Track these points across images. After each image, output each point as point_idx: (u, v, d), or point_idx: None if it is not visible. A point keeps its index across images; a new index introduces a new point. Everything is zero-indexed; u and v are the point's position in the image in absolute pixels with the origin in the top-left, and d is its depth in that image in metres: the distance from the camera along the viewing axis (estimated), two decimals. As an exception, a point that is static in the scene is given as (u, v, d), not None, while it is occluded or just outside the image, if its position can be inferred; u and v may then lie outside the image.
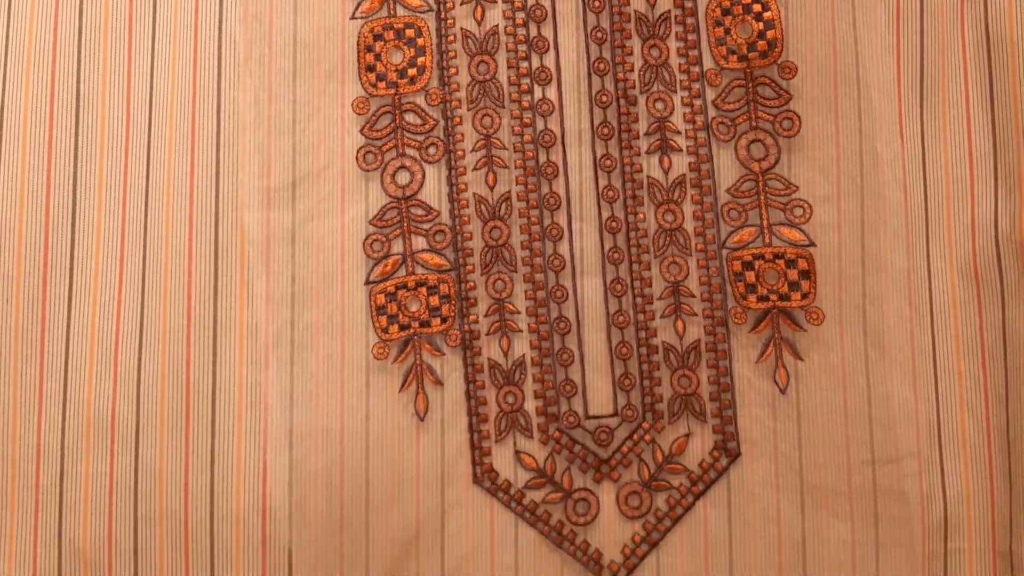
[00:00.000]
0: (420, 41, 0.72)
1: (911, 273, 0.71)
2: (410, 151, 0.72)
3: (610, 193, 0.72)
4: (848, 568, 0.70)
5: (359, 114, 0.71)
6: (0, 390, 0.70)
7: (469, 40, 0.72)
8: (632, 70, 0.72)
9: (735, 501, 0.71)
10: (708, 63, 0.72)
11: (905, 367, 0.70)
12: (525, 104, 0.72)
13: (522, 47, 0.72)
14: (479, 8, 0.72)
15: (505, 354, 0.71)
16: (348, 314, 0.70)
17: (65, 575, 0.69)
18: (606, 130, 0.72)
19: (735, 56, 0.72)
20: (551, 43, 0.72)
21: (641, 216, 0.72)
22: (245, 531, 0.68)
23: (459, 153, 0.71)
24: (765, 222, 0.71)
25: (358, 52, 0.72)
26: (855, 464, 0.70)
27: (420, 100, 0.72)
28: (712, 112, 0.72)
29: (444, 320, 0.71)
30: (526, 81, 0.72)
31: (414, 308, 0.71)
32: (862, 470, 0.70)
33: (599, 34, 0.72)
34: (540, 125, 0.72)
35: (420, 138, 0.72)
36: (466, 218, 0.71)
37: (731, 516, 0.71)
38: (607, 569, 0.71)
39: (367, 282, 0.70)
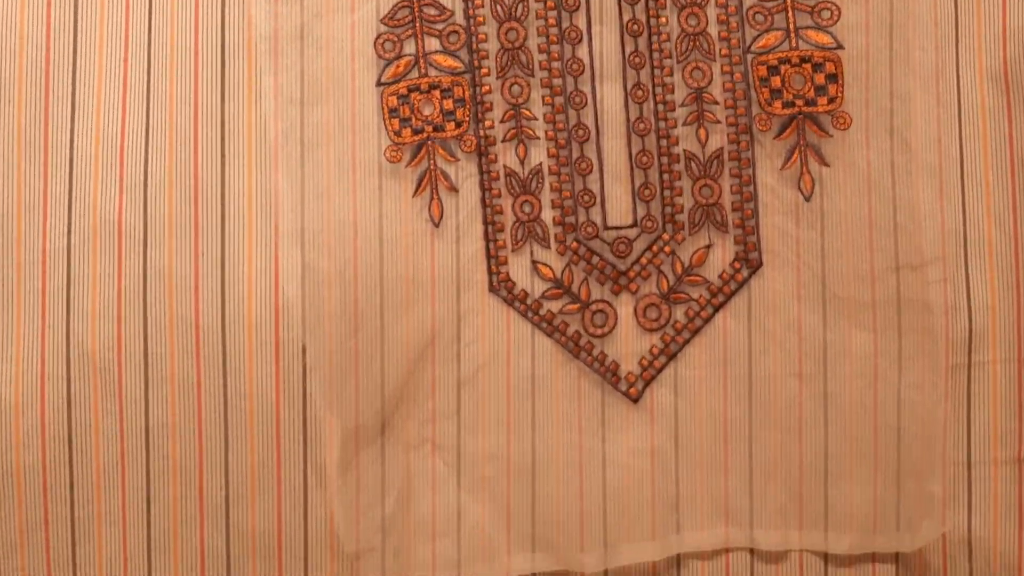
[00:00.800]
0: None
1: (939, 74, 0.68)
2: (422, -53, 0.69)
3: (631, -6, 0.69)
4: (870, 379, 0.69)
5: (368, -94, 0.68)
6: (4, 193, 0.68)
7: None
8: None
9: (755, 312, 0.70)
10: None
11: (932, 171, 0.68)
12: None
13: None
14: None
15: (521, 162, 0.69)
16: (359, 115, 0.68)
17: (74, 379, 0.68)
18: (627, -73, 0.69)
19: None
20: None
21: (663, 19, 0.69)
22: (258, 334, 0.67)
23: (473, -50, 0.69)
24: (792, 25, 0.69)
25: None
26: (879, 273, 0.68)
27: None
28: (737, -90, 0.69)
29: (458, 125, 0.69)
30: None
31: (427, 112, 0.68)
32: (886, 279, 0.68)
33: None
34: (558, -80, 0.69)
35: (433, -66, 0.69)
36: (481, 18, 0.68)
37: (751, 327, 0.70)
38: (624, 380, 0.70)
39: (378, 83, 0.68)
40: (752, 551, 0.71)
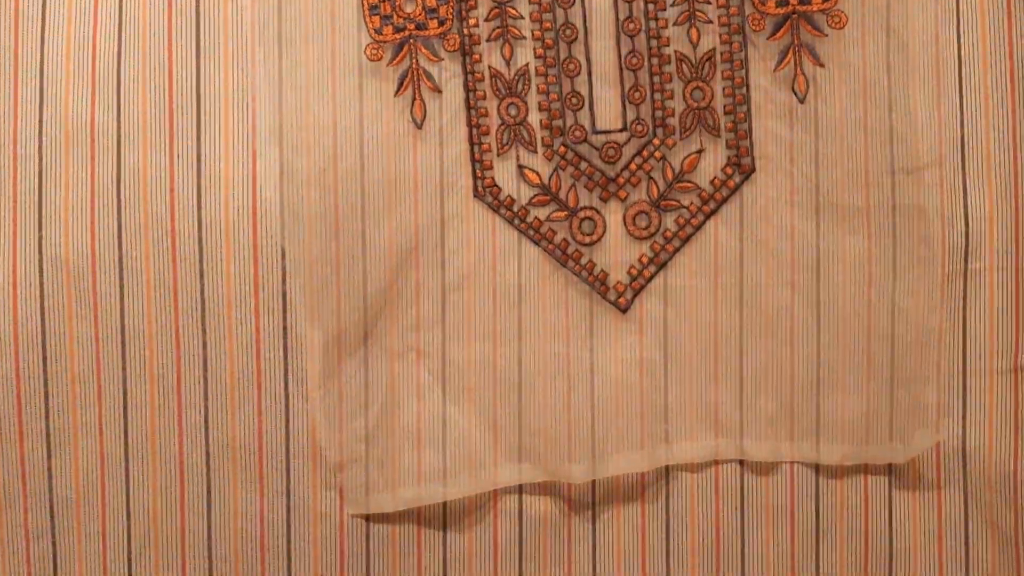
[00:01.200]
0: None
1: None
2: None
3: None
4: (863, 287, 0.68)
5: None
6: (-29, 96, 0.66)
7: None
8: None
9: (747, 219, 0.68)
10: None
11: (929, 71, 0.66)
12: None
13: None
14: None
15: (507, 62, 0.67)
16: (339, 12, 0.65)
17: (47, 285, 0.66)
18: None
19: None
20: None
21: (653, -86, 0.66)
22: (235, 238, 0.65)
23: None
24: (786, -80, 0.66)
25: None
26: (874, 178, 0.67)
27: None
28: None
29: (441, 23, 0.66)
30: None
31: (409, 9, 0.66)
32: (881, 184, 0.67)
33: None
34: None
35: None
36: (465, -88, 0.66)
37: (743, 235, 0.68)
38: (613, 290, 0.69)
39: (358, -21, 0.66)
40: (742, 462, 0.70)
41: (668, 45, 0.67)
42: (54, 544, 0.68)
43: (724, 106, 0.68)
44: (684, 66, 0.67)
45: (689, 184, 0.68)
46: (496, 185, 0.68)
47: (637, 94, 0.67)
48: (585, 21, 0.67)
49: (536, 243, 0.68)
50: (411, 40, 0.66)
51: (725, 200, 0.68)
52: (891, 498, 0.70)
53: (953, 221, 0.68)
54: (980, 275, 0.68)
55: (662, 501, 0.70)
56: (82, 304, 0.66)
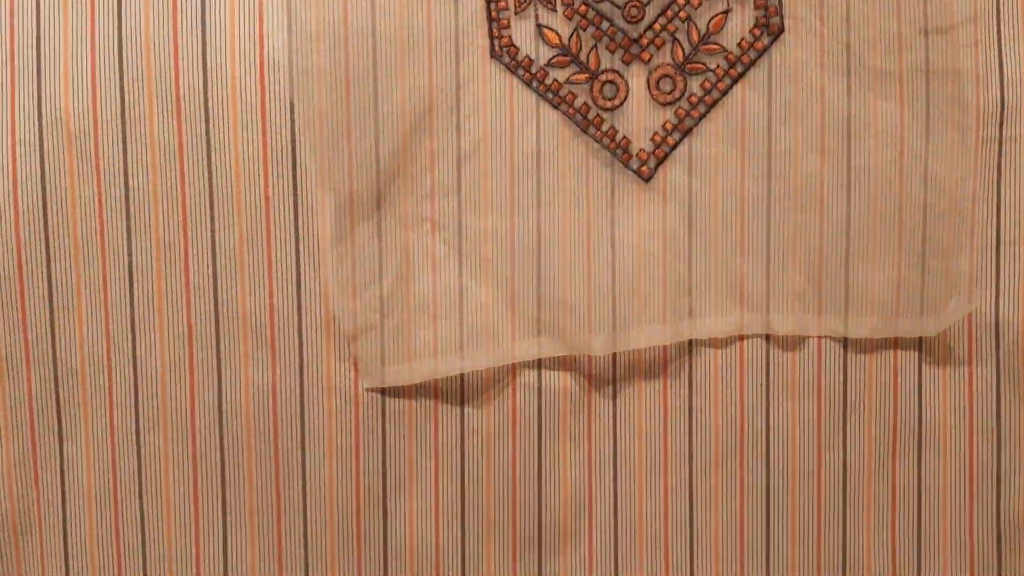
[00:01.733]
0: None
1: None
2: None
3: None
4: (895, 152, 0.65)
5: None
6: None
7: None
8: None
9: (776, 83, 0.66)
10: None
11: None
12: None
13: None
14: None
15: (525, -85, 0.64)
16: None
17: (47, 145, 0.63)
18: None
19: None
20: None
21: None
22: (242, 94, 0.63)
23: None
24: None
25: None
26: (906, 39, 0.64)
27: None
28: None
29: None
30: None
31: None
32: (913, 45, 0.64)
33: None
34: None
35: None
36: None
37: (771, 99, 0.66)
38: (636, 158, 0.66)
39: None
40: (768, 337, 0.68)
41: (694, -102, 0.64)
42: (59, 417, 0.66)
43: (752, -37, 0.65)
44: (711, -80, 0.64)
45: (715, 46, 0.65)
46: (513, 45, 0.65)
47: (661, -50, 0.65)
48: None
49: (555, 107, 0.65)
50: None
51: (753, 63, 0.65)
52: (921, 373, 0.68)
53: (988, 83, 0.65)
54: (1016, 142, 0.66)
55: (685, 377, 0.68)
56: (84, 164, 0.63)
